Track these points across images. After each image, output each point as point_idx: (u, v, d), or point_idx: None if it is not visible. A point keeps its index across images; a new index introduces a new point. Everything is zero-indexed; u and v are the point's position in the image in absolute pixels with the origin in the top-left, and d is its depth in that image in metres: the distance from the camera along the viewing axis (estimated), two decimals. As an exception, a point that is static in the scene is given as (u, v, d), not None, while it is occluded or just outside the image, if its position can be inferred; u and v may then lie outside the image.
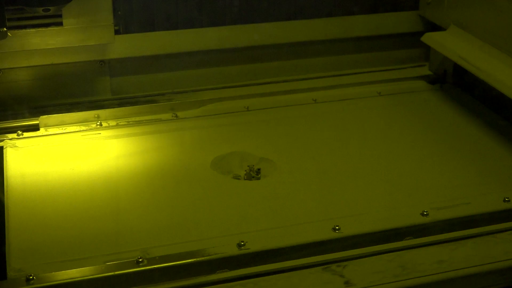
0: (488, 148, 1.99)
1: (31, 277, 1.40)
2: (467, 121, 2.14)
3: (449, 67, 2.36)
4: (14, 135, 1.97)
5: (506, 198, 1.68)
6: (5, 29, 1.93)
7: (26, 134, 1.98)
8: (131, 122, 2.07)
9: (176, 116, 2.10)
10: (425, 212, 1.62)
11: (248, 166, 1.86)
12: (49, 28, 2.05)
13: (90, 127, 2.03)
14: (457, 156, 1.94)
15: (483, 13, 2.17)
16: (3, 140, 1.94)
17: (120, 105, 2.16)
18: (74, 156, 1.89)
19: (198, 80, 2.31)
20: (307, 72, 2.39)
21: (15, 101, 2.13)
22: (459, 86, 2.35)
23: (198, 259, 1.47)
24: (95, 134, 2.01)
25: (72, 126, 2.03)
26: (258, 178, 1.83)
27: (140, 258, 1.45)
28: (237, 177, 1.84)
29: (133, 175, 1.81)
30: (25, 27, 2.03)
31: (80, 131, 2.01)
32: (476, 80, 2.11)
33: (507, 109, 2.11)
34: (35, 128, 2.02)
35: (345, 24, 2.43)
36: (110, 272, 1.42)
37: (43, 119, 2.02)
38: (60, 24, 2.06)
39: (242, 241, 1.51)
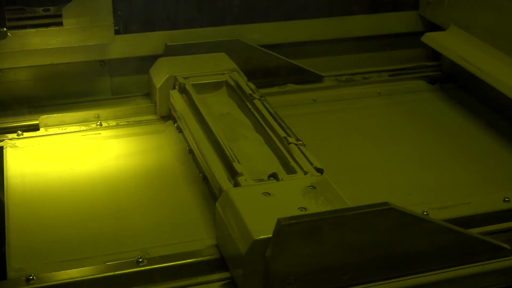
0: (488, 148, 2.00)
1: (31, 277, 1.40)
2: (467, 121, 2.15)
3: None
4: (14, 135, 1.97)
5: (506, 198, 1.68)
6: (5, 29, 1.93)
7: (26, 134, 1.98)
8: (131, 122, 2.06)
9: (176, 116, 2.10)
10: (425, 212, 1.62)
11: (247, 166, 1.86)
12: (49, 28, 2.05)
13: (90, 127, 2.03)
14: (457, 156, 1.95)
15: (483, 13, 2.17)
16: (3, 140, 1.94)
17: (120, 105, 2.15)
18: (74, 156, 1.89)
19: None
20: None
21: (15, 101, 2.13)
22: (459, 86, 2.36)
23: (198, 259, 1.47)
24: (95, 134, 2.00)
25: (72, 126, 2.03)
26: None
27: (140, 258, 1.44)
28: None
29: (133, 175, 1.81)
30: (25, 27, 2.03)
31: (80, 131, 2.01)
32: (476, 80, 2.11)
33: (507, 109, 2.11)
34: (35, 128, 2.01)
35: (345, 24, 2.43)
36: (110, 272, 1.42)
37: (43, 119, 2.02)
38: (60, 24, 2.06)
39: (242, 241, 1.50)
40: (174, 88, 2.03)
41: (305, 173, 1.57)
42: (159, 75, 2.07)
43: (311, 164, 1.60)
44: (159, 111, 2.08)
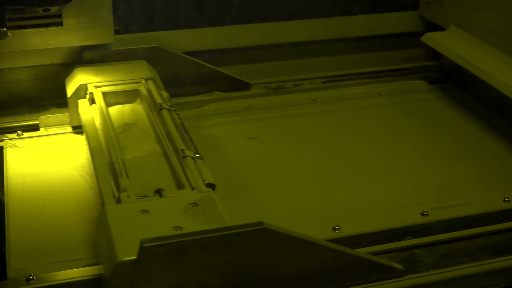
0: (488, 148, 2.00)
1: (31, 277, 1.40)
2: (467, 121, 2.15)
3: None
4: (14, 135, 1.97)
5: (506, 198, 1.68)
6: (5, 29, 1.93)
7: (26, 134, 1.98)
8: (130, 123, 2.06)
9: (176, 116, 2.09)
10: (425, 212, 1.62)
11: (247, 166, 1.85)
12: (49, 28, 2.05)
13: (90, 127, 2.03)
14: (457, 156, 1.95)
15: (483, 13, 2.17)
16: (3, 140, 1.94)
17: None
18: (74, 156, 1.89)
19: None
20: (307, 72, 2.39)
21: (15, 101, 2.13)
22: (459, 86, 2.36)
23: (197, 259, 1.46)
24: (95, 134, 2.00)
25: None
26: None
27: (140, 258, 1.44)
28: (236, 177, 1.83)
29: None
30: (25, 27, 2.03)
31: (80, 131, 2.01)
32: (476, 80, 2.11)
33: (507, 109, 2.11)
34: (35, 128, 2.01)
35: (345, 24, 2.43)
36: (110, 272, 1.42)
37: (43, 119, 2.02)
38: (60, 24, 2.05)
39: (242, 241, 1.49)
40: (85, 97, 1.95)
41: (193, 189, 1.45)
42: (72, 84, 2.00)
43: (203, 179, 1.48)
44: (72, 120, 2.01)
